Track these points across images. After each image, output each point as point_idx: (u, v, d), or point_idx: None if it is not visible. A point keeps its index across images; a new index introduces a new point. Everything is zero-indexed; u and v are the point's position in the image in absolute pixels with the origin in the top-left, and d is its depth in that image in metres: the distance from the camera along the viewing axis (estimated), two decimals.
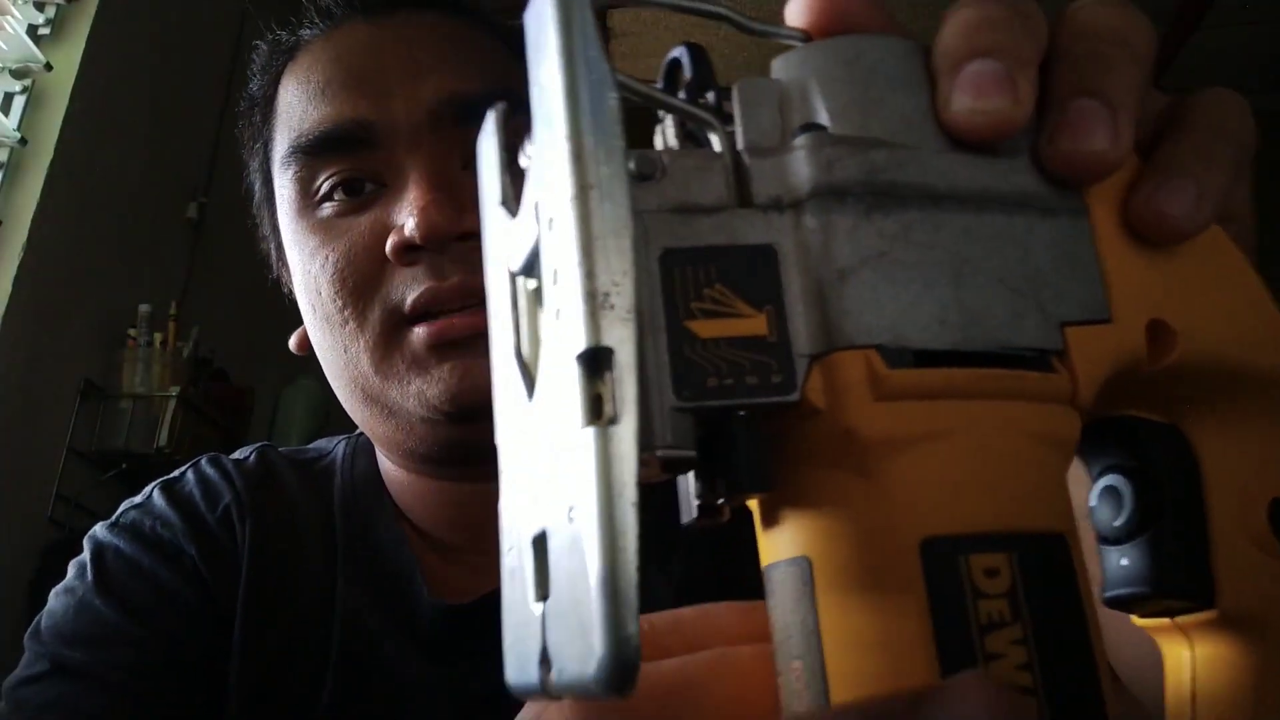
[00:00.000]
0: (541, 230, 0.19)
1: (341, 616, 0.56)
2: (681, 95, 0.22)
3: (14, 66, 1.65)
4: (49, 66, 1.67)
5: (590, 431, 0.17)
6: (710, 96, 0.22)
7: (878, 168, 0.20)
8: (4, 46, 1.61)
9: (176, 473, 0.62)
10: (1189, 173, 0.22)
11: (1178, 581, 0.23)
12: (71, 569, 0.58)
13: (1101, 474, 0.25)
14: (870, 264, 0.19)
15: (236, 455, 0.64)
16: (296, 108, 0.55)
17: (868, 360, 0.19)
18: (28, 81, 1.67)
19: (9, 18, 1.58)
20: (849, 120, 0.21)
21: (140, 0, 1.89)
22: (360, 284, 0.52)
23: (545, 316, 0.19)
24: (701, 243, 0.19)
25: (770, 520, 0.21)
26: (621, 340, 0.17)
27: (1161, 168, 0.22)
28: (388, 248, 0.50)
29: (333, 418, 2.40)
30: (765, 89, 0.21)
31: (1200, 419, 0.24)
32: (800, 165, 0.20)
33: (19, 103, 1.67)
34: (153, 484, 0.61)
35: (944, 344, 0.19)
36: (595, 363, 0.17)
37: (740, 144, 0.21)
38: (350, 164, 0.53)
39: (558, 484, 0.18)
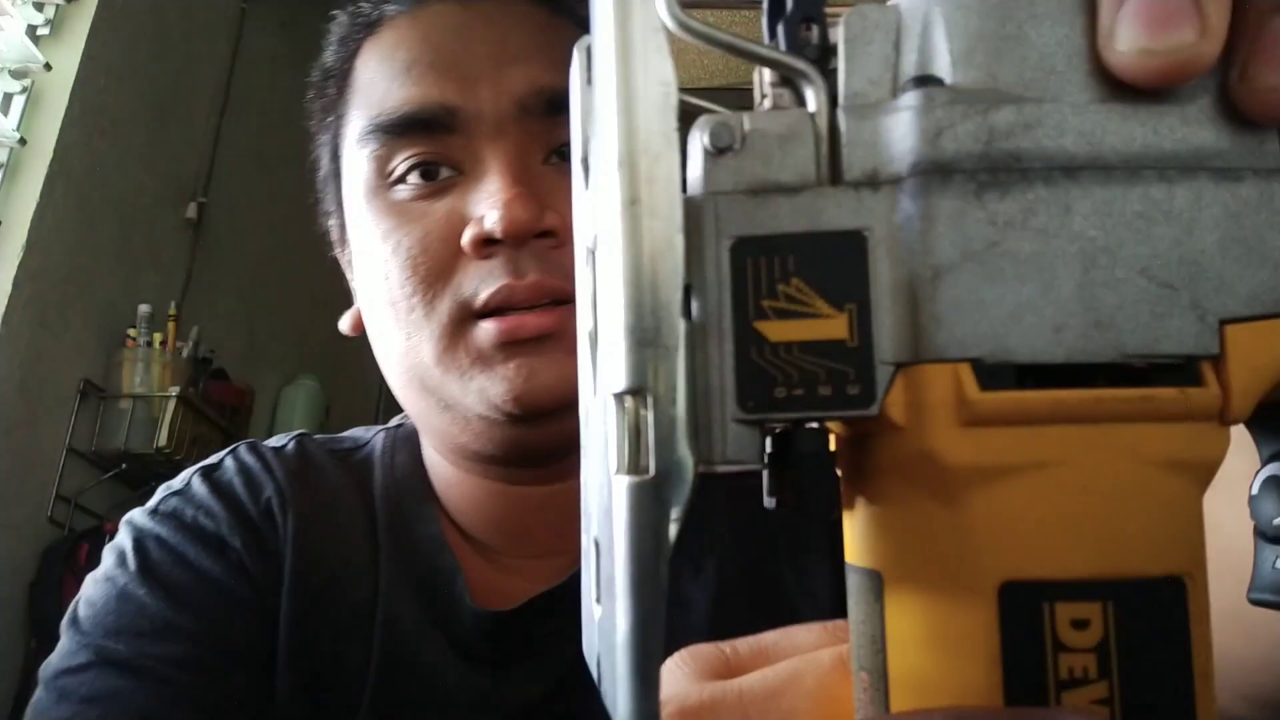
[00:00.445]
0: (598, 230, 0.18)
1: (383, 619, 0.55)
2: (780, 32, 0.19)
3: (13, 67, 1.65)
4: (48, 67, 1.67)
5: (624, 481, 0.16)
6: (814, 33, 0.18)
7: (999, 134, 0.17)
8: (3, 46, 1.61)
9: (214, 459, 0.61)
10: None
11: None
12: (109, 555, 0.56)
13: (1269, 460, 0.21)
14: (976, 258, 0.17)
15: (274, 443, 0.62)
16: (379, 85, 0.54)
17: (957, 377, 0.16)
18: (27, 82, 1.67)
19: (8, 18, 1.58)
20: (974, 65, 0.17)
21: (139, 0, 1.89)
22: (432, 272, 0.50)
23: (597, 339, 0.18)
24: (780, 229, 0.17)
25: (850, 511, 0.19)
26: (660, 380, 0.16)
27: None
28: (465, 239, 0.49)
29: (332, 417, 2.40)
30: (879, 21, 0.18)
31: None
32: (903, 132, 0.17)
33: (18, 103, 1.66)
34: (191, 470, 0.60)
35: (1058, 356, 0.16)
36: (634, 397, 0.16)
37: (842, 96, 0.18)
38: (429, 147, 0.52)
39: (606, 501, 0.17)
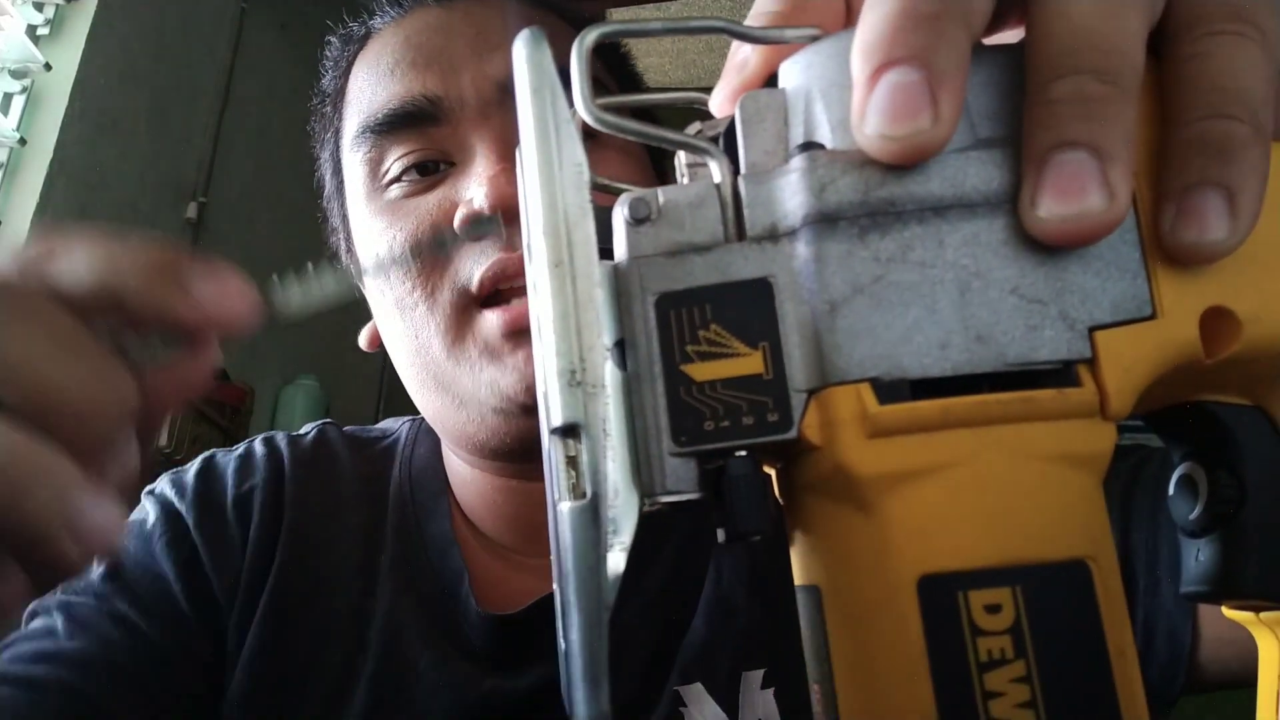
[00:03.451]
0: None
1: (382, 621, 0.54)
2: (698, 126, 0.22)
3: (13, 66, 1.64)
4: (48, 66, 1.67)
5: (565, 506, 0.18)
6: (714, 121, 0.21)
7: (874, 184, 0.19)
8: (3, 46, 1.61)
9: (240, 445, 0.62)
10: (1205, 179, 0.18)
11: (1248, 583, 0.21)
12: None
13: (1180, 461, 0.23)
14: (865, 291, 0.19)
15: (298, 432, 0.63)
16: (366, 91, 0.55)
17: (859, 396, 0.18)
18: (27, 82, 1.66)
19: (8, 18, 1.58)
20: (849, 130, 0.19)
21: (139, 0, 1.88)
22: (427, 263, 0.50)
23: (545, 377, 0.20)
24: (696, 283, 0.19)
25: (791, 540, 0.21)
26: (589, 415, 0.18)
27: (1171, 185, 0.19)
28: (456, 222, 0.49)
29: (332, 417, 2.40)
30: (768, 102, 0.20)
31: None
32: (793, 191, 0.19)
33: (18, 103, 1.66)
34: (209, 451, 0.62)
35: (945, 370, 0.18)
36: (569, 435, 0.19)
37: (743, 167, 0.20)
38: (418, 143, 0.52)
39: (557, 533, 0.19)
